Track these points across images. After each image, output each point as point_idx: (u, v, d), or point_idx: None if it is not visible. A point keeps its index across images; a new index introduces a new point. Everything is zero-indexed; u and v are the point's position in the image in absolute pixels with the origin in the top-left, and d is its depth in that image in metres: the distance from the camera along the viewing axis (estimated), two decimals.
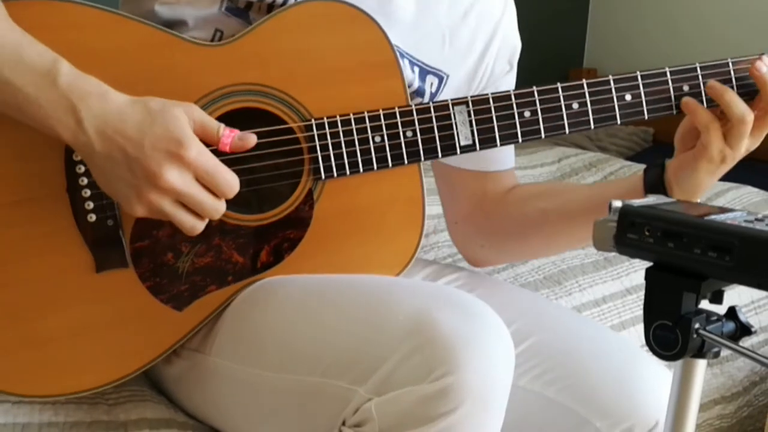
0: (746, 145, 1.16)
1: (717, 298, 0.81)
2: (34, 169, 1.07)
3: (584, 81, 1.17)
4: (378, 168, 1.14)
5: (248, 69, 1.11)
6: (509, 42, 1.34)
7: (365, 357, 0.99)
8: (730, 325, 0.81)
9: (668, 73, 1.18)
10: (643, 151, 3.08)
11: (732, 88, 1.16)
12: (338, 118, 1.12)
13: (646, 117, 1.19)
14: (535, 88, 1.17)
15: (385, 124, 1.13)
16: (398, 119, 1.13)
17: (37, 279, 1.09)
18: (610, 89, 1.17)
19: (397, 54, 1.14)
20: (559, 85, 1.17)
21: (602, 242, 0.82)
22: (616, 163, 2.68)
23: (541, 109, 1.16)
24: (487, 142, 1.16)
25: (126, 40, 1.09)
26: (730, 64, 1.18)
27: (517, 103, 1.16)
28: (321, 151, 1.12)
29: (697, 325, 0.78)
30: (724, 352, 0.88)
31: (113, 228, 1.09)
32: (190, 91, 1.08)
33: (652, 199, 0.84)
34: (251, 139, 1.05)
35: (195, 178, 1.00)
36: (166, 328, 1.13)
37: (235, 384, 1.12)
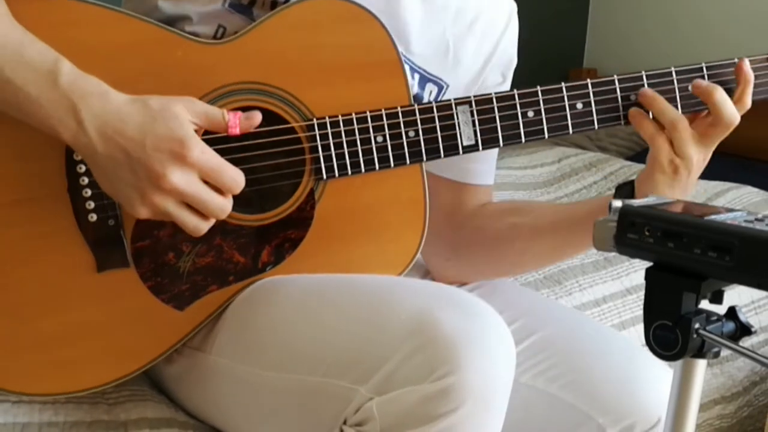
0: (694, 153, 1.14)
1: (717, 298, 0.81)
2: (34, 169, 1.07)
3: (588, 81, 1.17)
4: (380, 168, 1.14)
5: (250, 67, 1.11)
6: (506, 54, 1.33)
7: (367, 357, 0.99)
8: (730, 325, 0.81)
9: (674, 73, 1.18)
10: (643, 151, 3.08)
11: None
12: (340, 118, 1.12)
13: (651, 117, 1.19)
14: (539, 88, 1.16)
15: (388, 124, 1.13)
16: (401, 119, 1.13)
17: (38, 279, 1.09)
18: (615, 89, 1.17)
19: (400, 53, 1.14)
20: (563, 84, 1.16)
21: (602, 242, 0.82)
22: (616, 163, 2.68)
23: (544, 109, 1.16)
24: (490, 142, 1.16)
25: (126, 38, 1.09)
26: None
27: (520, 103, 1.16)
28: (323, 151, 1.12)
29: (697, 325, 0.78)
30: (724, 352, 0.88)
31: (114, 228, 1.09)
32: (192, 90, 1.07)
33: (652, 199, 0.84)
34: (257, 116, 1.06)
35: (199, 177, 1.00)
36: (167, 328, 1.13)
37: (235, 383, 1.12)
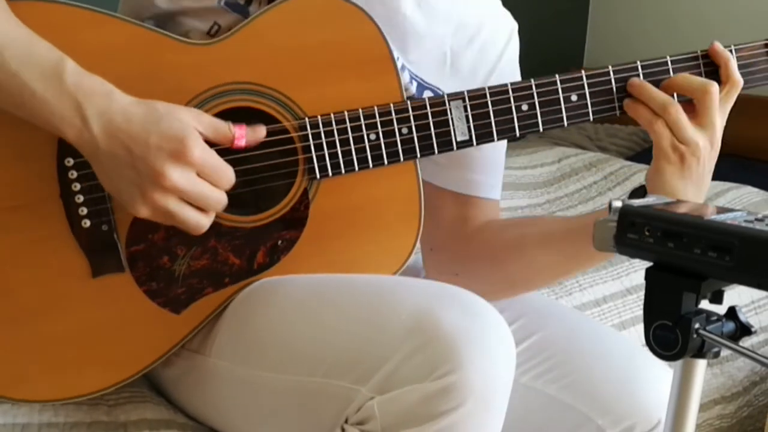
0: (697, 137, 1.12)
1: (717, 298, 0.81)
2: (25, 175, 1.07)
3: (583, 72, 1.16)
4: (374, 166, 1.13)
5: (241, 68, 1.10)
6: (505, 73, 1.31)
7: (367, 357, 0.99)
8: (730, 325, 0.81)
9: (669, 62, 1.17)
10: (643, 151, 3.08)
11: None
12: (332, 117, 1.11)
13: None
14: (532, 81, 1.15)
15: (380, 122, 1.12)
16: (393, 116, 1.13)
17: (33, 285, 1.09)
18: (610, 80, 1.16)
19: (392, 49, 1.14)
20: (557, 77, 1.16)
21: (602, 242, 0.82)
22: (616, 163, 2.68)
23: (539, 102, 1.15)
24: (485, 137, 1.15)
25: (115, 41, 1.08)
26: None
27: (514, 97, 1.15)
28: (315, 151, 1.11)
29: (697, 325, 0.78)
30: (724, 352, 0.88)
31: (108, 233, 1.09)
32: (182, 92, 1.07)
33: (652, 199, 0.84)
34: (262, 129, 1.06)
35: (197, 175, 1.00)
36: (163, 332, 1.13)
37: (235, 385, 1.12)
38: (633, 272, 1.92)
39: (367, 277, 1.14)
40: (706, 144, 1.12)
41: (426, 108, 1.13)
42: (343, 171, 1.12)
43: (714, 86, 1.12)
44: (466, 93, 1.14)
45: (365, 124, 1.12)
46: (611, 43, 3.60)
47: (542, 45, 3.09)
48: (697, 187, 1.14)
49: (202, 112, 1.04)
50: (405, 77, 1.19)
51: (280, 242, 1.14)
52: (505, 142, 1.33)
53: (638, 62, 1.16)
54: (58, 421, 1.11)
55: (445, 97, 1.14)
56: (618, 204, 0.81)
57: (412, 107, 1.13)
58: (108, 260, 1.10)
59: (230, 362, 1.12)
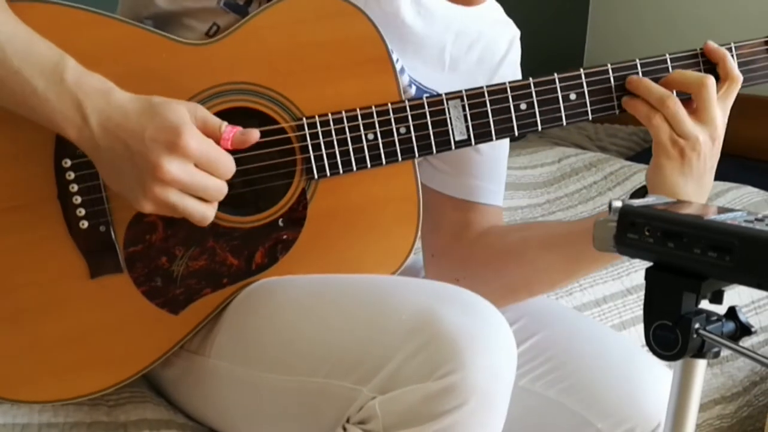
0: (697, 131, 1.12)
1: (717, 298, 0.81)
2: (23, 176, 1.07)
3: (582, 71, 1.16)
4: (372, 166, 1.13)
5: (238, 68, 1.10)
6: (506, 78, 1.31)
7: (369, 357, 0.99)
8: (730, 325, 0.81)
9: (668, 60, 1.16)
10: (643, 151, 3.08)
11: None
12: (330, 117, 1.11)
13: None
14: (531, 80, 1.15)
15: (378, 122, 1.12)
16: (391, 116, 1.12)
17: (31, 286, 1.09)
18: (609, 78, 1.16)
19: (391, 50, 1.14)
20: (555, 75, 1.15)
21: (602, 242, 0.82)
22: (616, 163, 2.68)
23: (537, 101, 1.15)
24: (483, 136, 1.15)
25: (112, 41, 1.08)
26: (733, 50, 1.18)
27: (512, 96, 1.15)
28: (313, 151, 1.11)
29: (697, 325, 0.78)
30: (724, 352, 0.88)
31: (106, 234, 1.09)
32: (180, 92, 1.07)
33: (652, 199, 0.84)
34: (253, 134, 1.05)
35: (195, 165, 1.00)
36: (162, 332, 1.13)
37: (235, 385, 1.12)
38: (633, 272, 1.92)
39: (367, 277, 1.14)
40: (707, 139, 1.12)
41: (424, 107, 1.13)
42: (341, 171, 1.12)
43: (710, 79, 1.11)
44: (464, 92, 1.14)
45: (363, 124, 1.12)
46: (611, 42, 3.60)
47: (542, 45, 3.09)
48: (698, 184, 1.13)
49: (198, 105, 1.03)
50: (404, 80, 1.19)
51: (278, 243, 1.13)
52: (507, 148, 1.33)
53: (637, 60, 1.16)
54: (58, 421, 1.11)
55: (443, 96, 1.14)
56: (618, 204, 0.81)
57: (410, 107, 1.13)
58: (106, 261, 1.09)
59: (230, 362, 1.12)
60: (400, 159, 1.14)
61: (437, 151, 1.14)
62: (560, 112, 1.16)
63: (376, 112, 1.12)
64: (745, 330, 0.81)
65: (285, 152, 1.12)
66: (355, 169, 1.12)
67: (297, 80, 1.11)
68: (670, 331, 0.79)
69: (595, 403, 1.19)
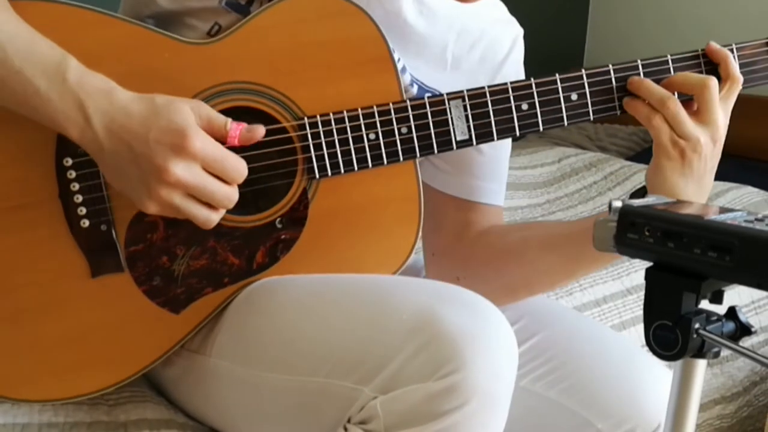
0: (698, 132, 1.11)
1: (717, 298, 0.81)
2: (24, 175, 1.07)
3: (583, 71, 1.16)
4: (373, 165, 1.13)
5: (239, 67, 1.10)
6: (509, 77, 1.30)
7: (370, 357, 0.99)
8: (730, 325, 0.81)
9: (670, 61, 1.16)
10: (643, 151, 3.08)
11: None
12: (331, 116, 1.11)
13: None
14: (533, 80, 1.15)
15: (380, 121, 1.12)
16: (393, 116, 1.12)
17: (33, 285, 1.08)
18: (610, 79, 1.16)
19: (392, 50, 1.14)
20: (557, 76, 1.15)
21: (602, 242, 0.82)
22: (616, 163, 2.68)
23: (539, 102, 1.15)
24: (484, 136, 1.15)
25: (114, 40, 1.08)
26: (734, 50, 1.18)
27: (514, 96, 1.14)
28: (315, 150, 1.11)
29: (697, 325, 0.78)
30: (724, 352, 0.88)
31: (107, 233, 1.09)
32: (181, 91, 1.06)
33: (652, 199, 0.84)
34: (259, 130, 1.05)
35: (202, 168, 0.99)
36: (163, 332, 1.13)
37: (236, 385, 1.11)
38: (633, 272, 1.92)
39: (368, 277, 1.14)
40: (708, 140, 1.11)
41: (425, 107, 1.13)
42: (342, 171, 1.12)
43: (713, 81, 1.11)
44: (465, 92, 1.14)
45: (364, 124, 1.12)
46: (611, 43, 3.60)
47: (542, 45, 3.08)
48: (698, 185, 1.13)
49: (202, 103, 1.03)
50: (406, 79, 1.19)
51: (279, 242, 1.13)
52: (509, 147, 1.33)
53: (639, 61, 1.16)
54: (58, 421, 1.11)
55: (445, 96, 1.14)
56: (618, 204, 0.81)
57: (411, 107, 1.13)
58: (107, 260, 1.09)
59: (231, 362, 1.11)
60: (401, 159, 1.13)
61: (439, 151, 1.14)
62: (562, 112, 1.16)
63: (378, 111, 1.12)
64: (745, 330, 0.81)
65: (286, 152, 1.12)
66: (356, 168, 1.12)
67: (298, 80, 1.11)
68: (670, 331, 0.79)
69: (596, 404, 1.19)
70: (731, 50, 1.17)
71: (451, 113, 1.14)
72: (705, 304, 0.80)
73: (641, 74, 1.16)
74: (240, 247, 1.13)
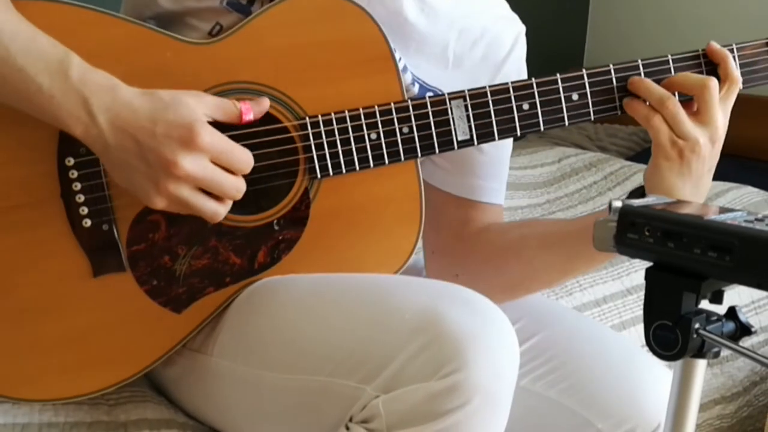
0: (697, 132, 1.11)
1: (717, 298, 0.81)
2: (26, 175, 1.07)
3: (584, 71, 1.16)
4: (374, 165, 1.13)
5: (241, 67, 1.10)
6: (511, 76, 1.30)
7: (372, 356, 0.99)
8: (730, 325, 0.81)
9: (671, 61, 1.16)
10: (643, 151, 3.08)
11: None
12: (333, 116, 1.11)
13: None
14: (533, 80, 1.15)
15: (381, 121, 1.12)
16: (394, 115, 1.12)
17: (35, 285, 1.09)
18: (611, 79, 1.16)
19: (393, 49, 1.14)
20: (558, 76, 1.15)
21: (602, 242, 0.82)
22: (616, 163, 2.68)
23: (540, 101, 1.15)
24: (485, 136, 1.15)
25: (116, 40, 1.08)
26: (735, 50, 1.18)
27: (515, 96, 1.15)
28: (316, 150, 1.11)
29: (697, 325, 0.78)
30: (724, 352, 0.88)
31: (109, 232, 1.09)
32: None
33: (652, 199, 0.84)
34: (264, 101, 1.07)
35: (210, 161, 1.00)
36: (164, 331, 1.13)
37: (237, 384, 1.12)
38: (633, 272, 1.91)
39: (370, 277, 1.14)
40: (707, 141, 1.11)
41: (427, 107, 1.13)
42: (343, 170, 1.12)
43: (712, 81, 1.11)
44: (467, 92, 1.14)
45: (366, 124, 1.12)
46: (611, 43, 3.60)
47: (542, 45, 3.07)
48: (695, 186, 1.13)
49: (204, 93, 1.03)
50: (407, 78, 1.19)
51: (281, 242, 1.13)
52: (510, 147, 1.33)
53: (639, 61, 1.16)
54: (59, 421, 1.11)
55: (446, 96, 1.14)
56: (618, 204, 0.81)
57: (412, 106, 1.13)
58: (109, 260, 1.09)
59: (232, 362, 1.12)
60: (402, 158, 1.14)
61: (440, 151, 1.14)
62: (563, 112, 1.16)
63: (379, 111, 1.12)
64: (745, 330, 0.81)
65: (288, 151, 1.12)
66: (357, 168, 1.12)
67: (300, 79, 1.11)
68: (670, 331, 0.78)
69: (596, 404, 1.19)
70: (731, 50, 1.17)
71: (452, 113, 1.14)
72: (705, 304, 0.80)
73: (642, 74, 1.16)
74: (241, 247, 1.13)
